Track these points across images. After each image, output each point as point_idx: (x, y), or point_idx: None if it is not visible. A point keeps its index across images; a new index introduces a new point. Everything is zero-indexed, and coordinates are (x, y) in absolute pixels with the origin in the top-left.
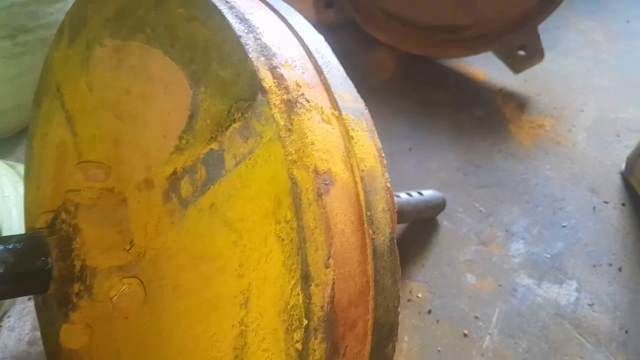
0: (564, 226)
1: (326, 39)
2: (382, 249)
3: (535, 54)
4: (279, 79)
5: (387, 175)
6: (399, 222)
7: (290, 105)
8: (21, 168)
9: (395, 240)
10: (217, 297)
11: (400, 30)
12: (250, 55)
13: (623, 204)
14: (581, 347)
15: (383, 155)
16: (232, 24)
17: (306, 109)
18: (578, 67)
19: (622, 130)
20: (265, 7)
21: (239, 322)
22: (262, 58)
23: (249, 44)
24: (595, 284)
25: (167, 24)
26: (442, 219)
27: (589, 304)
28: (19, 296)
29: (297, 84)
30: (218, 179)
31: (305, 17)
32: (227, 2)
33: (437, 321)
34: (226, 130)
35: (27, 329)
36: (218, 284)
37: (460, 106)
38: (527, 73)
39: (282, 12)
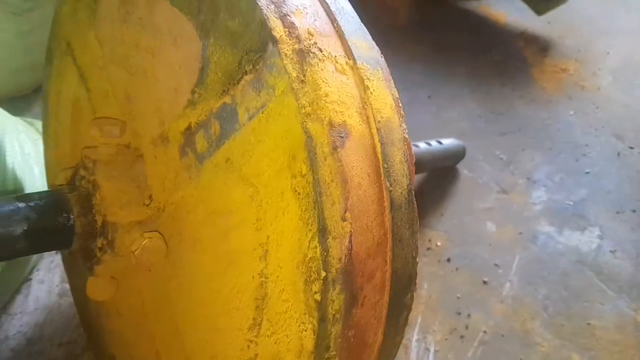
0: (587, 173)
1: None
2: (400, 201)
3: None
4: (289, 27)
5: (404, 126)
6: (417, 171)
7: (303, 55)
8: (39, 125)
9: (413, 192)
10: (236, 250)
11: None
12: (259, 3)
13: None
14: (602, 294)
15: (400, 105)
16: None
17: (319, 59)
18: (604, 7)
19: None
20: None
21: (259, 274)
22: (272, 5)
23: None
24: (618, 230)
25: None
26: (462, 168)
27: (611, 251)
28: (43, 251)
29: (309, 33)
30: (232, 133)
31: None
32: None
33: (457, 269)
34: (238, 83)
35: (56, 281)
36: (236, 238)
37: (479, 50)
38: (550, 15)
39: None
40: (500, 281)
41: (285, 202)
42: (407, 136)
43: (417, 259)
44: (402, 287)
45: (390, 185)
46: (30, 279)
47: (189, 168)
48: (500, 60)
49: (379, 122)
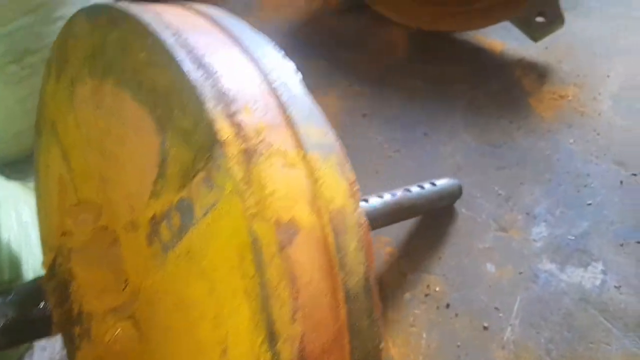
0: (589, 204)
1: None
2: (356, 290)
3: (555, 19)
4: (237, 127)
5: (360, 209)
6: (410, 216)
7: (249, 154)
8: None
9: (372, 278)
10: (200, 342)
11: (410, 6)
12: (207, 105)
13: None
14: (607, 333)
15: (356, 187)
16: (188, 71)
17: (266, 157)
18: (603, 28)
19: None
20: (229, 42)
21: None
22: (220, 106)
23: (206, 93)
24: (623, 264)
25: (132, 67)
26: (460, 206)
27: (615, 286)
28: (23, 343)
29: (257, 130)
30: (190, 227)
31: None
32: (186, 44)
33: (456, 315)
34: (193, 179)
35: (57, 349)
36: (200, 331)
37: (476, 82)
38: (547, 40)
39: (247, 45)
40: (501, 325)
41: (237, 302)
42: (362, 220)
43: (381, 346)
44: None
45: (345, 276)
46: (33, 347)
47: (156, 256)
48: (498, 91)
49: (331, 211)
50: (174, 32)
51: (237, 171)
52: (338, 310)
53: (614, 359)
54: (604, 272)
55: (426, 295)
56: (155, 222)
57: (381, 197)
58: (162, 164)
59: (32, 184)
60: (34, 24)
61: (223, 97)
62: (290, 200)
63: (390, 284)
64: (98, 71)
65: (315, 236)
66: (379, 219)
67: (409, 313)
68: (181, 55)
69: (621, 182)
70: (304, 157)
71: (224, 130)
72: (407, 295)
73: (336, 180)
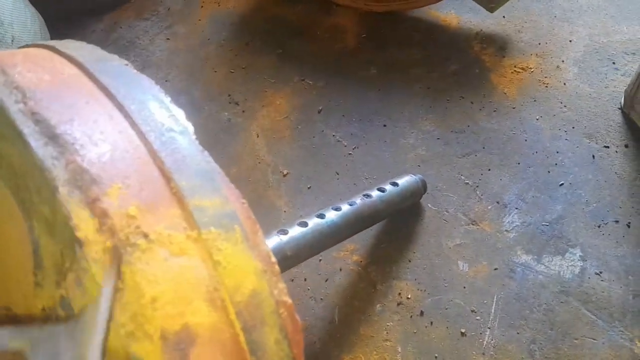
0: (561, 184)
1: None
2: None
3: None
4: (101, 216)
5: (280, 285)
6: (375, 222)
7: (118, 253)
8: None
9: None
10: None
11: None
12: (60, 192)
13: (626, 146)
14: (592, 326)
15: (273, 260)
16: (36, 148)
17: (143, 250)
18: None
19: (617, 55)
20: (99, 95)
21: None
22: (76, 192)
23: (58, 175)
24: (602, 247)
25: None
26: (426, 202)
27: (596, 273)
28: None
29: (129, 216)
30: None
31: None
32: (34, 113)
33: (431, 323)
34: (65, 277)
35: None
36: None
37: (433, 63)
38: (504, 9)
39: (122, 96)
40: (479, 330)
41: None
42: (285, 298)
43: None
44: None
45: None
46: None
47: None
48: (457, 71)
49: (239, 302)
50: (22, 97)
51: (102, 278)
52: None
53: (602, 354)
54: (582, 259)
55: (398, 304)
56: (46, 315)
57: (338, 209)
58: (36, 253)
59: None
60: None
61: (81, 178)
62: (181, 302)
63: (360, 297)
64: None
65: (220, 339)
66: (338, 234)
67: (382, 326)
68: (28, 128)
69: (593, 157)
70: (198, 238)
71: (83, 224)
72: (379, 306)
73: (244, 257)
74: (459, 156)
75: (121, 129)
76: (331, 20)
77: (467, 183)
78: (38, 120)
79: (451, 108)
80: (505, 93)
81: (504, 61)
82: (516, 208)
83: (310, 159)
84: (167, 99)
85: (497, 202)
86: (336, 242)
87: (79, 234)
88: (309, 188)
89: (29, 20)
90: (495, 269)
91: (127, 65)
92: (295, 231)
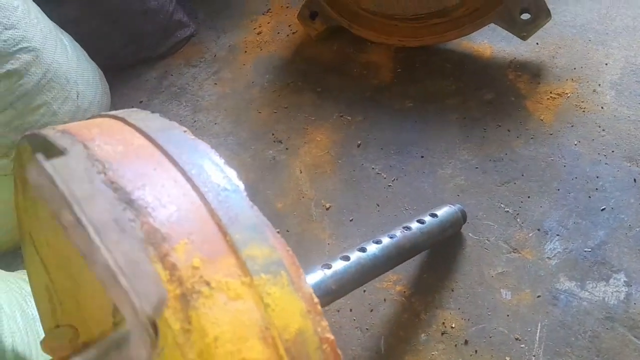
0: (603, 209)
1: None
2: None
3: (540, 14)
4: (171, 269)
5: (323, 324)
6: (414, 255)
7: (186, 299)
8: None
9: None
10: None
11: (389, 25)
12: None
13: None
14: (639, 353)
15: (315, 300)
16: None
17: (206, 296)
18: (594, 11)
19: None
20: (163, 161)
21: None
22: (150, 248)
23: (136, 234)
24: None
25: None
26: (467, 231)
27: None
28: None
29: (194, 267)
30: None
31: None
32: (112, 182)
33: (476, 351)
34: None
35: None
36: None
37: (467, 93)
38: (537, 35)
39: (184, 162)
40: (524, 357)
41: None
42: (327, 335)
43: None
44: None
45: None
46: None
47: None
48: (492, 99)
49: (287, 340)
50: (102, 168)
51: (174, 321)
52: None
53: None
54: (627, 284)
55: (442, 333)
56: None
57: (379, 242)
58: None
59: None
60: (14, 118)
61: (154, 237)
62: (238, 341)
63: (404, 326)
64: None
65: None
66: (380, 268)
67: (427, 356)
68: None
69: (634, 180)
70: (251, 283)
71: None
72: (423, 336)
73: (288, 301)
74: (497, 184)
75: (184, 191)
76: (366, 57)
77: (507, 211)
78: (116, 188)
79: (488, 137)
80: (542, 119)
81: (539, 88)
82: (557, 235)
83: (351, 191)
84: (221, 161)
85: (538, 230)
86: (378, 275)
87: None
88: (351, 220)
89: (91, 76)
90: (539, 296)
91: (185, 132)
92: (339, 265)
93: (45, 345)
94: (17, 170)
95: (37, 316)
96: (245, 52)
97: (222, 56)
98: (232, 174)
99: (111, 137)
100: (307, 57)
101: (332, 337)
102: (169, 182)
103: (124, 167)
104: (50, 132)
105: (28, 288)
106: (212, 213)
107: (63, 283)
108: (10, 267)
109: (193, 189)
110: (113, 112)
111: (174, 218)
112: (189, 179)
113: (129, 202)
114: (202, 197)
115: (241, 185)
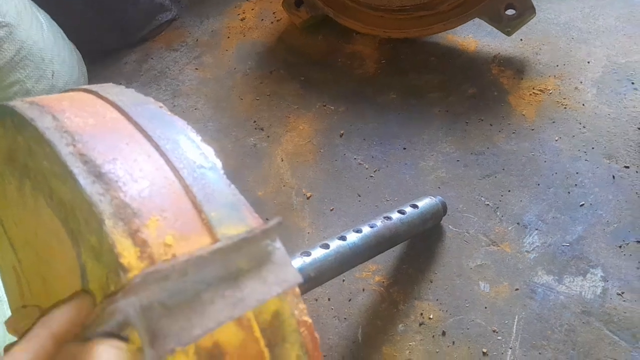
0: (582, 205)
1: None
2: None
3: (525, 10)
4: (141, 245)
5: (301, 306)
6: (395, 244)
7: None
8: None
9: None
10: None
11: (375, 16)
12: (105, 225)
13: None
14: (614, 347)
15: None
16: (84, 186)
17: None
18: (578, 9)
19: (636, 75)
20: (137, 136)
21: None
22: (120, 224)
23: (104, 209)
24: (624, 268)
25: (41, 174)
26: (447, 223)
27: (618, 293)
28: None
29: (166, 244)
30: None
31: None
32: (82, 154)
33: (453, 343)
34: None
35: None
36: None
37: (451, 86)
38: (522, 31)
39: (158, 136)
40: (501, 350)
41: None
42: (305, 319)
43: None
44: None
45: None
46: None
47: None
48: (475, 93)
49: (263, 322)
50: (72, 140)
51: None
52: None
53: None
54: (604, 279)
55: (420, 324)
56: None
57: (359, 231)
58: (83, 276)
59: None
60: None
61: (124, 212)
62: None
63: (382, 316)
64: (17, 172)
65: (246, 355)
66: (360, 256)
67: (405, 346)
68: (77, 168)
69: (613, 177)
70: None
71: (125, 252)
72: (401, 326)
73: None
74: (479, 178)
75: (158, 166)
76: (351, 48)
77: (488, 204)
78: (86, 160)
79: (470, 130)
80: (524, 115)
81: (522, 83)
82: (536, 229)
83: (332, 181)
84: (197, 138)
85: (518, 223)
86: (358, 263)
87: (123, 261)
88: (331, 210)
89: (68, 56)
90: (517, 289)
91: (161, 107)
92: (318, 253)
93: (9, 325)
94: None
95: (4, 299)
96: (228, 37)
97: (204, 41)
98: (209, 151)
99: (82, 110)
100: (291, 46)
101: (309, 320)
102: (142, 157)
103: (95, 140)
104: (18, 103)
105: None
106: (187, 189)
107: (30, 261)
108: None
109: (167, 164)
110: (86, 86)
111: (146, 193)
112: (162, 154)
113: (99, 175)
114: (176, 172)
115: (218, 163)
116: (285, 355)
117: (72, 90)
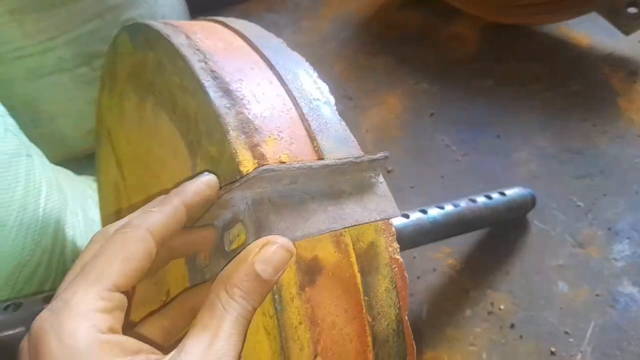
0: None
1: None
2: (386, 334)
3: None
4: (259, 158)
5: (395, 245)
6: (474, 229)
7: None
8: None
9: (404, 321)
10: None
11: None
12: (229, 135)
13: None
14: None
15: (391, 222)
16: (214, 99)
17: None
18: None
19: None
20: (261, 63)
21: None
22: (243, 136)
23: (229, 121)
24: None
25: (168, 89)
26: (533, 218)
27: None
28: None
29: (281, 161)
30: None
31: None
32: (212, 71)
33: (521, 336)
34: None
35: None
36: None
37: (555, 81)
38: None
39: (280, 67)
40: (570, 352)
41: (259, 337)
42: (397, 257)
43: None
44: None
45: (373, 320)
46: None
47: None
48: (580, 91)
49: (360, 249)
50: (203, 57)
51: None
52: (366, 355)
53: None
54: None
55: (489, 313)
56: None
57: (442, 208)
58: None
59: None
60: (101, 28)
61: (247, 127)
62: (314, 239)
63: (450, 299)
64: (140, 89)
65: (340, 276)
66: (438, 232)
67: (470, 331)
68: (208, 82)
69: None
70: None
71: (246, 162)
72: (469, 311)
73: None
74: (573, 177)
75: (278, 93)
76: (451, 28)
77: (579, 205)
78: (215, 77)
79: (570, 128)
80: (632, 119)
81: (635, 87)
82: (628, 237)
83: (416, 159)
84: (314, 74)
85: (609, 229)
86: (434, 240)
87: (242, 169)
88: (411, 187)
89: (177, 3)
90: (597, 295)
91: (282, 42)
92: (397, 221)
93: None
94: (108, 64)
95: (96, 219)
96: (328, 5)
97: (304, 6)
98: (324, 87)
99: (212, 35)
100: (389, 20)
101: (401, 259)
102: (264, 82)
103: (224, 61)
104: (153, 22)
105: (90, 192)
106: (303, 118)
107: (136, 178)
108: (77, 172)
109: (287, 92)
110: (212, 17)
111: (267, 114)
112: (283, 83)
113: (227, 91)
114: (294, 101)
115: (332, 99)
116: (376, 284)
117: (200, 19)
